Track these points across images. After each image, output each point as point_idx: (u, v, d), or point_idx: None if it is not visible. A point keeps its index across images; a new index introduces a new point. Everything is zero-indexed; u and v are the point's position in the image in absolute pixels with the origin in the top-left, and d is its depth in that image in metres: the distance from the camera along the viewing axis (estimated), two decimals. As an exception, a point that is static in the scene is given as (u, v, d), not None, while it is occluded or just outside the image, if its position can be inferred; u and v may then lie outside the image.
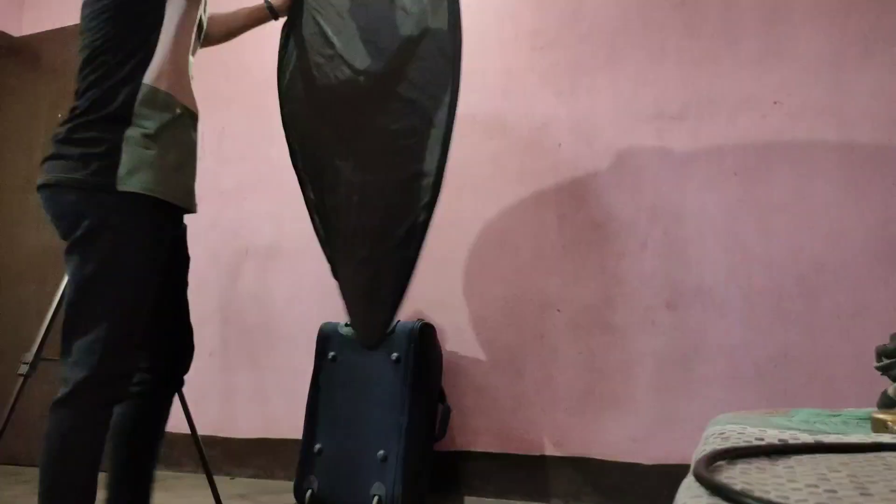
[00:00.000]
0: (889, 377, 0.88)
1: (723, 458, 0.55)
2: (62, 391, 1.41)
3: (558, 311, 2.46)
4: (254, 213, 2.99)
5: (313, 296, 2.83)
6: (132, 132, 1.46)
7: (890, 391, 0.85)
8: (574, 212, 2.47)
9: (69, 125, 1.47)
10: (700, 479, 0.48)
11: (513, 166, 2.59)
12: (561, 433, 2.39)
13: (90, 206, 1.42)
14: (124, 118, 1.46)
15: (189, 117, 1.59)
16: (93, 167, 1.43)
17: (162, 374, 1.69)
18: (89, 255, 1.43)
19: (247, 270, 2.97)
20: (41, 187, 1.47)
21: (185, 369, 1.75)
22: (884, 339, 0.90)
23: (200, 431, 2.28)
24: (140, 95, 1.47)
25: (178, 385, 1.76)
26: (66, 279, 2.15)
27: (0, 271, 3.30)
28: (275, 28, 3.03)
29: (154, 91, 1.49)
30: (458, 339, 2.59)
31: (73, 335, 1.42)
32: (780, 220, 2.23)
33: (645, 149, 2.41)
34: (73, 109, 1.48)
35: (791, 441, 0.62)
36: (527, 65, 2.62)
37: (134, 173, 1.44)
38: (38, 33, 3.45)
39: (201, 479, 2.62)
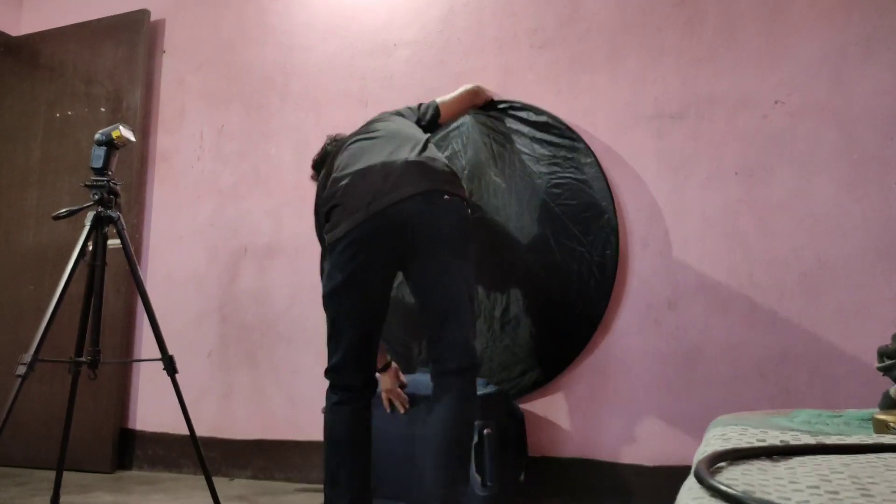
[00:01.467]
0: (891, 377, 0.87)
1: (724, 460, 0.55)
2: (477, 362, 1.83)
3: (558, 310, 2.45)
4: (252, 212, 2.98)
5: (312, 295, 2.82)
6: None
7: (892, 392, 0.84)
8: (574, 211, 2.46)
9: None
10: (701, 480, 0.48)
11: (512, 166, 2.57)
12: (562, 433, 2.38)
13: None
14: None
15: None
16: None
17: None
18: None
19: (245, 269, 2.97)
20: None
21: None
22: (886, 338, 0.89)
23: (199, 432, 2.27)
24: None
25: None
26: (64, 279, 2.14)
27: (-2, 271, 3.29)
28: (275, 27, 3.02)
29: None
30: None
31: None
32: (781, 218, 2.22)
33: (645, 148, 2.40)
34: None
35: (793, 442, 0.61)
36: (526, 64, 2.61)
37: None
38: (37, 32, 3.44)
39: (200, 480, 2.62)
